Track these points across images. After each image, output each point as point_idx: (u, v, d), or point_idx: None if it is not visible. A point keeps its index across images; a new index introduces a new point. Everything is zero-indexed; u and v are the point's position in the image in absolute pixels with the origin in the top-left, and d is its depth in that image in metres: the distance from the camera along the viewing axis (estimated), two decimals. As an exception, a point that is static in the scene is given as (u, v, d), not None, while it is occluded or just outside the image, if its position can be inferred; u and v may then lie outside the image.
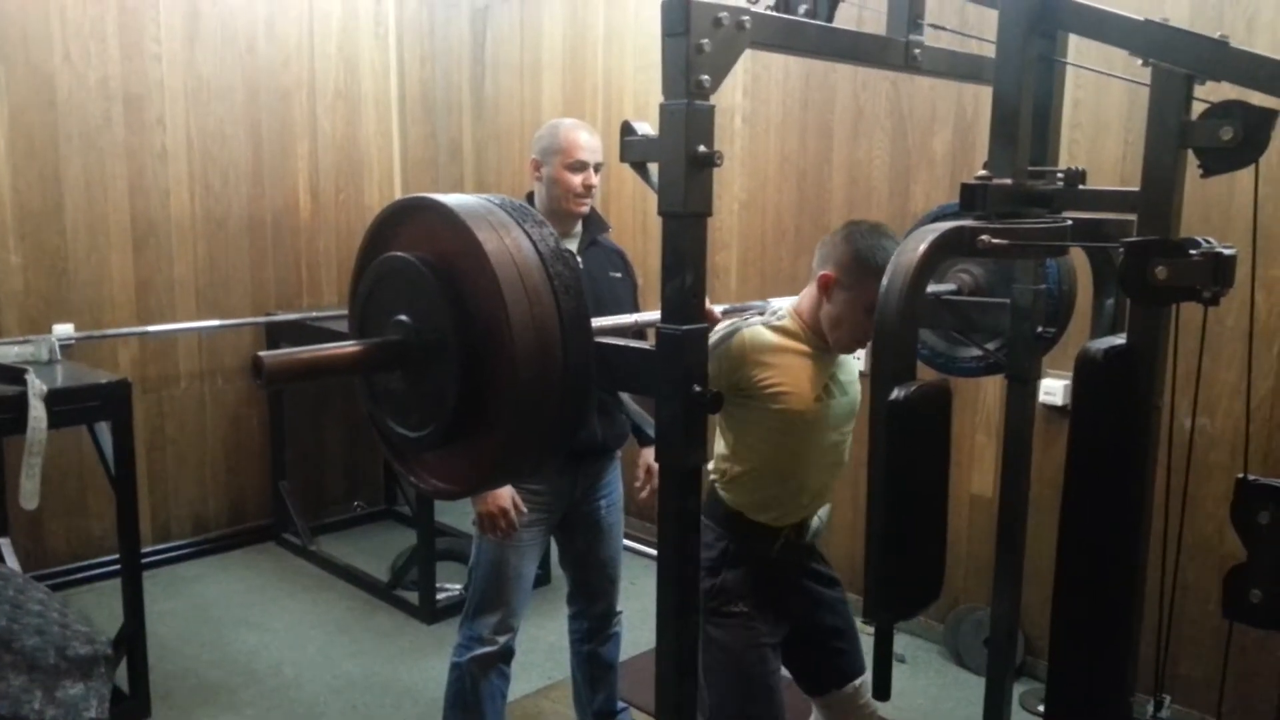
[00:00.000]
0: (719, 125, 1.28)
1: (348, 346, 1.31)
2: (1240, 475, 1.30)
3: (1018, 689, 3.07)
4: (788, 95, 3.80)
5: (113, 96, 3.96)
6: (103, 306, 4.00)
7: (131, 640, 3.03)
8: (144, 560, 3.20)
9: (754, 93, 3.89)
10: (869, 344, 1.90)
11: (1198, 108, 1.30)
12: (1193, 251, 1.19)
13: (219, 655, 3.48)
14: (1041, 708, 3.09)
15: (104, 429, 3.03)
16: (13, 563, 3.45)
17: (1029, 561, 2.13)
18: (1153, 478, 1.39)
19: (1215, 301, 1.20)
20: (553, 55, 4.66)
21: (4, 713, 2.56)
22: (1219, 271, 1.19)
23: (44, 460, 2.72)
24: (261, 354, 1.19)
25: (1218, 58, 1.24)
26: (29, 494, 2.69)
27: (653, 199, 1.32)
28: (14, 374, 2.83)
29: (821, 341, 1.98)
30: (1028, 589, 2.20)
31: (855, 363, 2.13)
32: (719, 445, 2.07)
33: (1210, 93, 1.31)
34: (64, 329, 3.82)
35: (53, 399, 2.77)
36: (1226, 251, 1.19)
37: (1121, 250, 1.23)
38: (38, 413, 2.71)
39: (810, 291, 1.98)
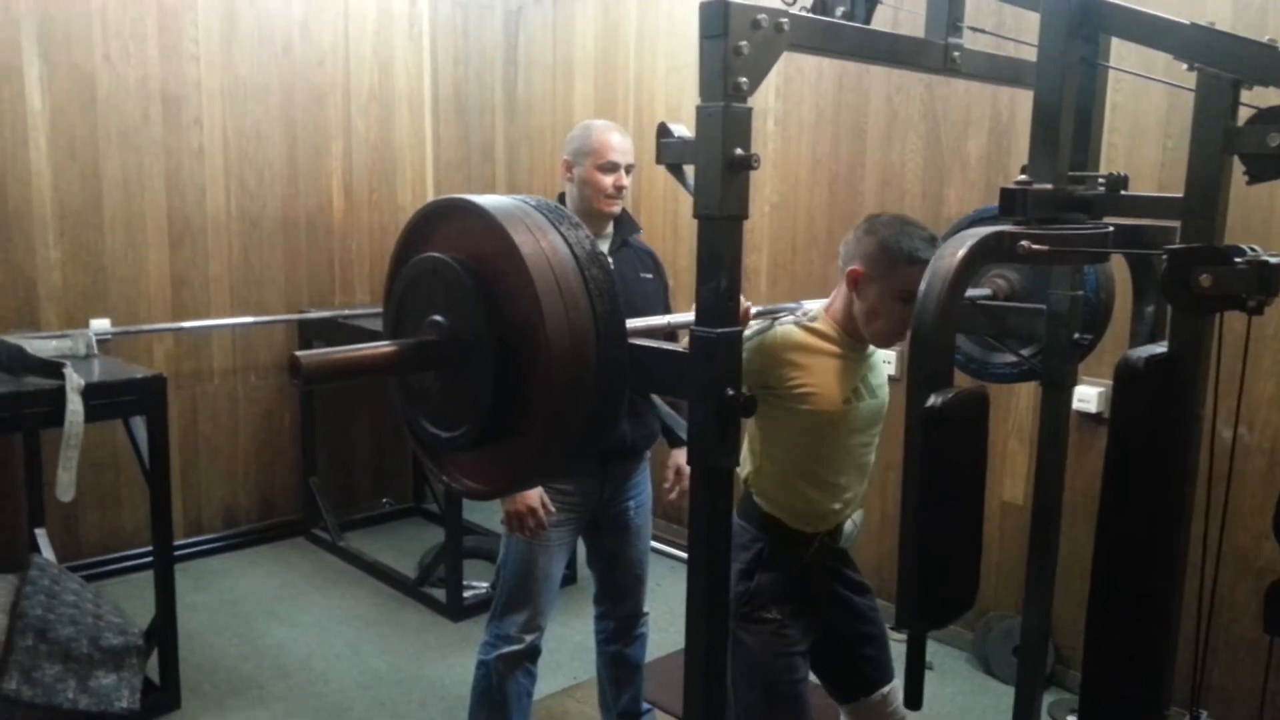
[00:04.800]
0: (751, 127, 1.27)
1: (383, 347, 1.32)
2: (1283, 487, 1.27)
3: (1047, 699, 3.04)
4: (820, 97, 3.78)
5: (151, 96, 4.01)
6: (139, 302, 4.06)
7: (163, 632, 3.07)
8: (175, 553, 3.23)
9: (787, 94, 3.88)
10: (907, 337, 1.89)
11: (1243, 113, 1.28)
12: (1238, 260, 1.17)
13: (248, 648, 3.51)
14: (1072, 718, 3.06)
15: (139, 423, 3.07)
16: (48, 553, 3.50)
17: (1060, 570, 2.11)
18: (1193, 488, 1.37)
19: (1260, 311, 1.18)
20: (585, 56, 4.67)
21: (39, 701, 2.61)
22: (1264, 280, 1.16)
23: (80, 453, 2.76)
24: (299, 354, 1.19)
25: (1267, 62, 1.22)
26: (65, 486, 2.73)
27: (684, 200, 1.32)
28: (52, 368, 2.87)
29: (854, 341, 1.97)
30: (1059, 598, 2.18)
31: (885, 366, 2.12)
32: (748, 445, 2.06)
33: (1255, 98, 1.29)
34: (101, 324, 3.87)
35: (89, 393, 2.81)
36: (1272, 260, 1.17)
37: (1164, 257, 1.21)
38: (75, 406, 2.75)
39: (840, 291, 1.97)
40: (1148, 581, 1.35)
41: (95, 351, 3.40)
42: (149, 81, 3.99)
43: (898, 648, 1.56)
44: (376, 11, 4.63)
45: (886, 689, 2.12)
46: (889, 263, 1.86)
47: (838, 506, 2.04)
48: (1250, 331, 1.34)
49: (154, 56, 3.99)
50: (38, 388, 2.80)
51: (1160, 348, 1.34)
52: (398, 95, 4.75)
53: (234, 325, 4.31)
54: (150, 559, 3.14)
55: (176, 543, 3.58)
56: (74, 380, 2.78)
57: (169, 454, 3.14)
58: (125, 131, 3.96)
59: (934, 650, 3.50)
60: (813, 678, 2.09)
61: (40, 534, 3.65)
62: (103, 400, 2.92)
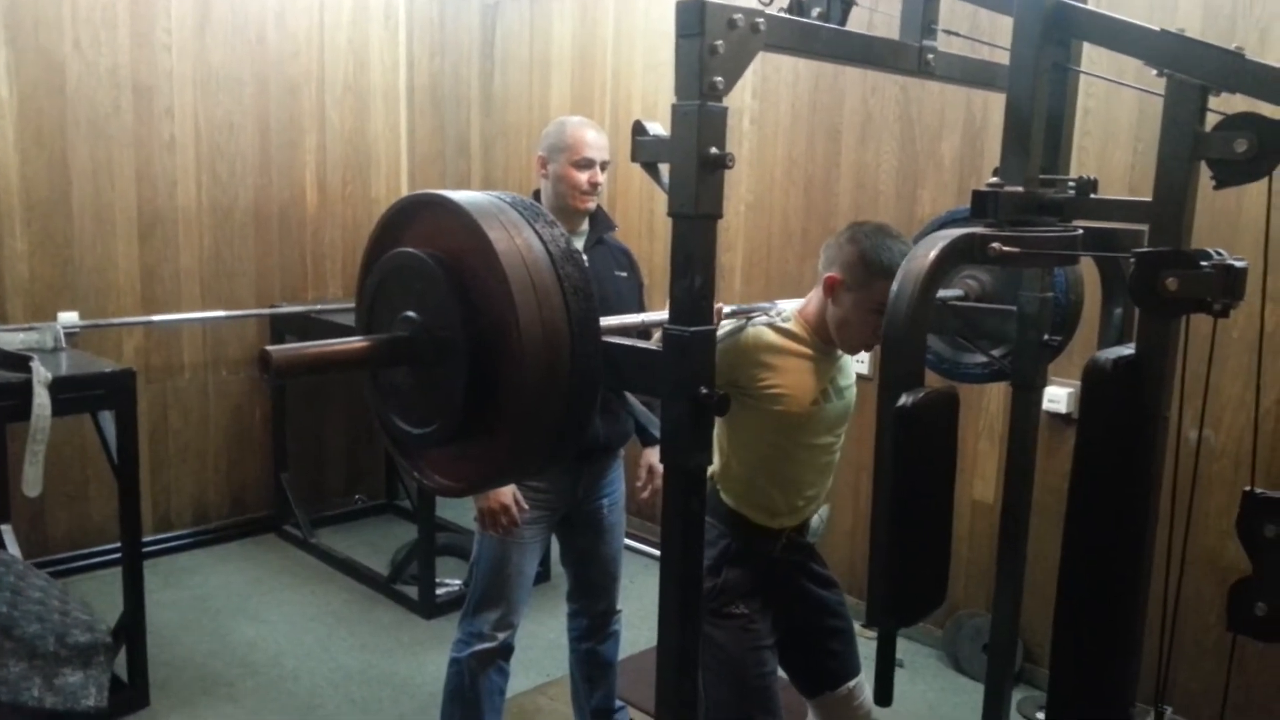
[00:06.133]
0: (727, 126, 1.28)
1: (355, 342, 1.31)
2: (1247, 488, 1.29)
3: (1016, 696, 3.07)
4: (796, 98, 3.80)
5: (122, 85, 3.96)
6: (108, 295, 4.01)
7: (131, 629, 3.04)
8: (144, 550, 3.20)
9: (763, 94, 3.89)
10: (876, 346, 1.91)
11: (1211, 119, 1.30)
12: (1204, 263, 1.18)
13: (218, 646, 3.48)
14: (1040, 715, 3.09)
15: (107, 417, 3.03)
16: (14, 549, 3.45)
17: (1029, 569, 2.13)
18: (1159, 488, 1.39)
19: (1225, 313, 1.20)
20: (562, 52, 4.66)
21: (3, 699, 2.57)
22: (1230, 284, 1.18)
23: (47, 448, 2.72)
24: (270, 348, 1.18)
25: (1234, 70, 1.24)
26: (32, 481, 2.70)
27: (660, 198, 1.32)
28: (19, 361, 2.84)
29: (825, 345, 1.98)
30: (1028, 596, 2.20)
31: (854, 366, 2.14)
32: (715, 442, 2.07)
33: (1222, 104, 1.31)
34: (69, 317, 3.82)
35: (57, 386, 2.77)
36: (1238, 264, 1.19)
37: (1132, 260, 1.22)
38: (42, 400, 2.71)
39: (816, 295, 1.98)
40: (1114, 580, 1.37)
41: (63, 345, 3.36)
42: (119, 70, 3.94)
43: (868, 645, 1.57)
44: (352, 2, 4.60)
45: (853, 683, 2.14)
46: (867, 274, 1.87)
47: (801, 504, 2.06)
48: (1216, 334, 1.36)
49: (125, 45, 3.94)
50: (4, 381, 2.76)
51: (1128, 349, 1.36)
52: (373, 88, 4.72)
53: (205, 319, 4.26)
54: (119, 555, 3.11)
55: (145, 539, 3.54)
56: (41, 374, 2.75)
57: (138, 449, 3.11)
58: (95, 121, 3.90)
59: (904, 648, 3.53)
60: (780, 673, 2.10)
61: (5, 529, 3.59)
62: (71, 394, 2.89)
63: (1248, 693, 2.82)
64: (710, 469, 2.07)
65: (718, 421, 2.03)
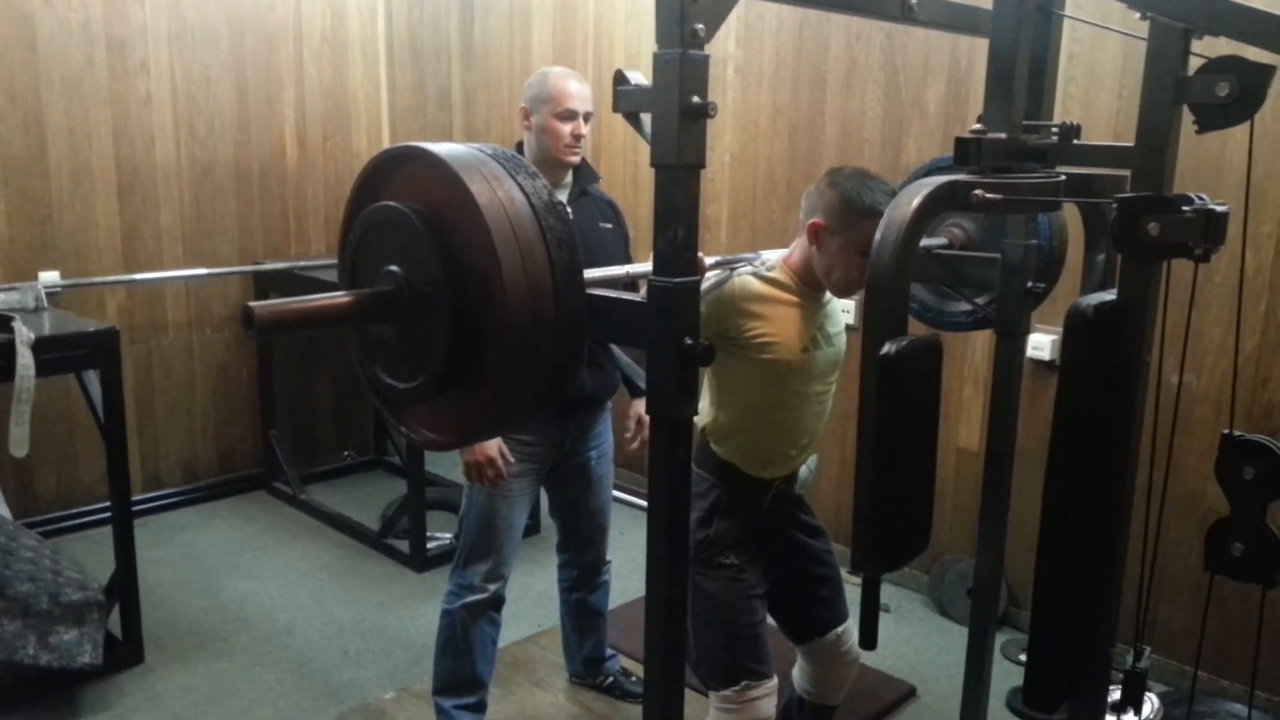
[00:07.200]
0: (710, 75, 1.26)
1: (339, 297, 1.30)
2: (1226, 431, 1.31)
3: (1000, 638, 3.13)
4: (780, 45, 3.76)
5: (95, 40, 3.88)
6: (88, 254, 3.97)
7: (124, 587, 3.05)
8: (134, 508, 3.20)
9: (747, 42, 3.85)
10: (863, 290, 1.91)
11: (1194, 63, 1.29)
12: (1185, 208, 1.19)
13: (211, 602, 3.51)
14: (1023, 657, 3.15)
15: (92, 377, 3.02)
16: (3, 510, 3.45)
17: (1013, 514, 2.16)
18: (1139, 433, 1.41)
19: (1206, 258, 1.21)
20: (543, 1, 4.58)
21: (-2, 658, 2.59)
22: (1211, 229, 1.19)
23: (33, 408, 2.71)
24: (253, 304, 1.18)
25: (1217, 12, 1.24)
26: (18, 441, 2.69)
27: (644, 150, 1.31)
28: (0, 321, 2.81)
29: (811, 291, 1.99)
30: (1011, 541, 2.24)
31: (842, 315, 2.14)
32: (705, 394, 2.08)
33: (1206, 48, 1.31)
34: (50, 276, 3.78)
35: (40, 346, 2.75)
36: (1219, 209, 1.19)
37: (1114, 206, 1.22)
38: (25, 360, 2.69)
39: (800, 244, 1.98)
40: (1095, 524, 1.39)
41: (45, 304, 3.34)
42: (92, 25, 3.86)
43: (854, 591, 1.59)
44: (328, -47, 4.50)
45: (840, 629, 2.17)
46: (850, 216, 1.87)
47: (794, 453, 2.08)
48: (1197, 279, 1.37)
49: (97, -2, 3.86)
50: (-14, 342, 2.74)
51: (1110, 295, 1.37)
52: (351, 39, 4.64)
53: (187, 277, 4.23)
54: (108, 514, 3.11)
55: (135, 497, 3.54)
56: (23, 334, 2.73)
57: (124, 408, 3.10)
58: (69, 78, 3.83)
59: (890, 592, 3.58)
60: (769, 621, 2.13)
61: (-6, 490, 3.60)
62: (54, 354, 2.87)
63: (1225, 632, 2.88)
64: (702, 422, 2.08)
65: (709, 373, 2.05)
